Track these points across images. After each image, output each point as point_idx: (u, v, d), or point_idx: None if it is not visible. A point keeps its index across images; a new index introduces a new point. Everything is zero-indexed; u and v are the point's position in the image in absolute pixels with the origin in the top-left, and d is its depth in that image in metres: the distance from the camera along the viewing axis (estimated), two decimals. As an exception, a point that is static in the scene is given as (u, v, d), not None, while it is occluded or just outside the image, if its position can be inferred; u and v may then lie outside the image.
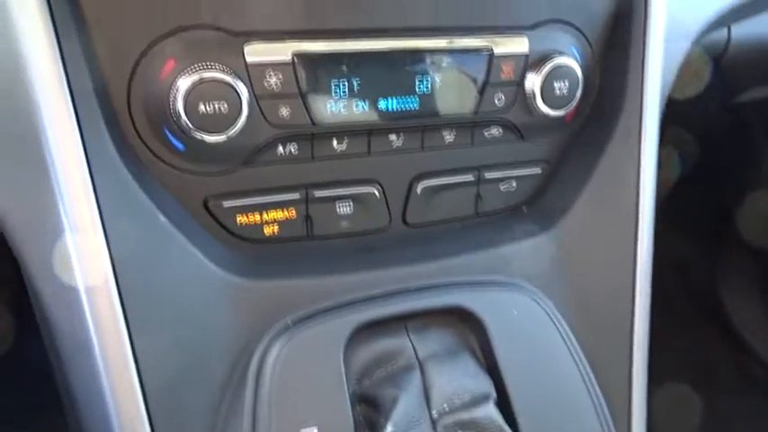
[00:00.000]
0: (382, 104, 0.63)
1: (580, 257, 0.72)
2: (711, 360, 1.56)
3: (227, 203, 0.62)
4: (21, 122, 0.52)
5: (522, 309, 0.66)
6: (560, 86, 0.68)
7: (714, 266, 1.58)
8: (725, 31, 0.93)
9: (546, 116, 0.69)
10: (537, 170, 0.74)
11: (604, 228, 0.73)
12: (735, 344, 1.54)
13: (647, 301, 0.74)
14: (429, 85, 0.64)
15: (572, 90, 0.68)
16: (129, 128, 0.57)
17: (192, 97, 0.54)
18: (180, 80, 0.55)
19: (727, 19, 0.87)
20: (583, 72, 0.69)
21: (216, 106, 0.55)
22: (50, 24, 0.51)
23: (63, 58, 0.52)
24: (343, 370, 0.58)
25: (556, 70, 0.67)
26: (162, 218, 0.56)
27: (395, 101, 0.63)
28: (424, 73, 0.63)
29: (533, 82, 0.67)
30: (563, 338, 0.67)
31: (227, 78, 0.55)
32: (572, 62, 0.68)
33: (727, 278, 1.57)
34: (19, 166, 0.53)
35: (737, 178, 1.45)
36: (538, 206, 0.74)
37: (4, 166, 0.53)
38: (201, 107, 0.55)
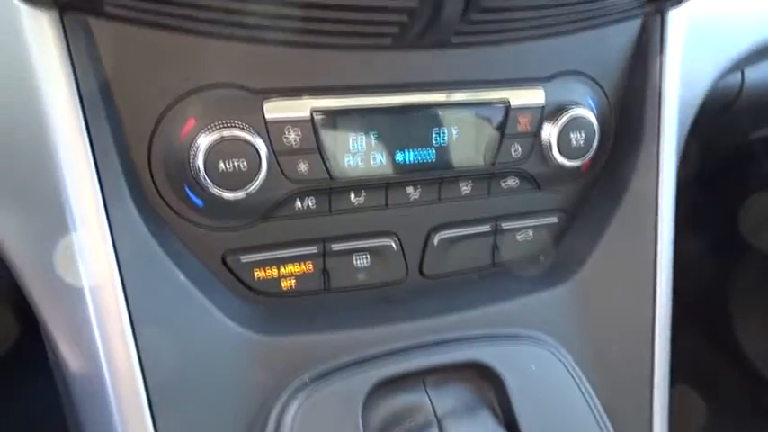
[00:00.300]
0: (399, 157, 0.63)
1: (598, 308, 0.72)
2: (724, 390, 1.54)
3: (245, 258, 0.62)
4: (43, 180, 0.52)
5: (540, 363, 0.66)
6: (576, 137, 0.68)
7: (726, 296, 1.57)
8: (738, 74, 0.93)
9: (562, 167, 0.69)
10: (554, 219, 0.74)
11: (622, 278, 0.73)
12: (747, 373, 1.52)
13: (667, 353, 0.73)
14: (446, 138, 0.64)
15: (588, 141, 0.68)
16: (149, 185, 0.57)
17: (212, 155, 0.55)
18: (200, 138, 0.55)
19: (741, 63, 0.88)
20: (599, 123, 0.69)
21: (235, 164, 0.55)
22: (74, 83, 0.51)
23: (85, 117, 0.52)
24: (361, 428, 0.58)
25: (572, 122, 0.67)
26: (182, 277, 0.56)
27: (412, 153, 0.63)
28: (441, 125, 0.64)
29: (550, 133, 0.67)
30: (582, 393, 0.66)
31: (247, 136, 0.55)
32: (588, 113, 0.68)
33: (740, 307, 1.55)
34: (40, 222, 0.53)
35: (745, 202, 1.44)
36: (555, 256, 0.74)
37: (25, 223, 0.54)
38: (221, 165, 0.55)
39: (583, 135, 0.68)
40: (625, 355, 0.72)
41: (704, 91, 0.79)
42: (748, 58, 0.87)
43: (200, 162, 0.55)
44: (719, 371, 1.57)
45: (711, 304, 1.60)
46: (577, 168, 0.70)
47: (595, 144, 0.69)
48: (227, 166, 0.55)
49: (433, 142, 0.64)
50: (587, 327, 0.71)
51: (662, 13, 0.71)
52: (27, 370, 1.08)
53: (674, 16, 0.72)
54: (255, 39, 0.55)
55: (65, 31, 0.50)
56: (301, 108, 0.58)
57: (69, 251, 0.53)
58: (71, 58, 0.51)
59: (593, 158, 0.71)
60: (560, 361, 0.67)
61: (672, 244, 0.75)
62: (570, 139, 0.68)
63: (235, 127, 0.55)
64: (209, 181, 0.55)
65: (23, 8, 0.49)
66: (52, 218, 0.53)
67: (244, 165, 0.56)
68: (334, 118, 0.59)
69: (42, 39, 0.50)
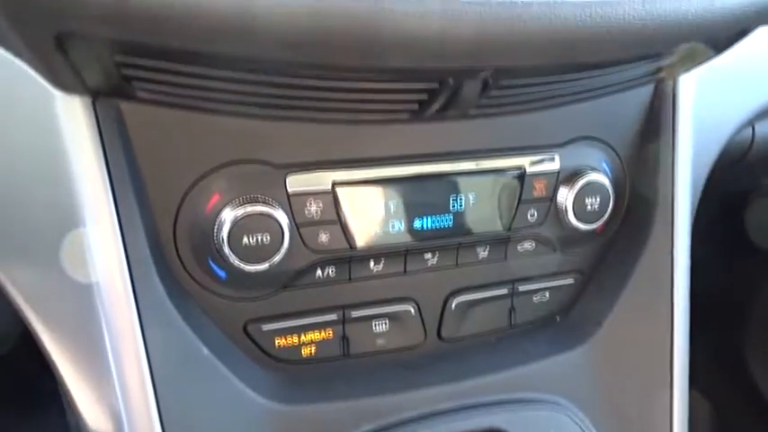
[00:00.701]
0: (417, 224, 0.64)
1: (615, 370, 0.72)
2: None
3: (266, 327, 0.62)
4: (71, 257, 0.53)
5: (558, 428, 0.66)
6: (592, 202, 0.69)
7: (742, 335, 1.55)
8: (749, 129, 0.94)
9: (577, 230, 0.69)
10: (570, 281, 0.74)
11: (639, 338, 0.73)
12: (762, 411, 1.50)
13: (686, 415, 0.73)
14: (462, 204, 0.65)
15: (603, 205, 0.69)
16: (173, 258, 0.58)
17: (236, 230, 0.56)
18: (224, 213, 0.56)
19: (753, 119, 0.89)
20: (613, 186, 0.70)
21: (259, 238, 0.57)
22: (103, 163, 0.53)
23: (114, 195, 0.53)
24: None
25: (587, 187, 0.68)
26: (205, 350, 0.57)
27: (429, 220, 0.64)
28: (458, 192, 0.65)
29: (565, 197, 0.68)
30: (601, 458, 0.66)
31: (270, 211, 0.57)
32: (603, 178, 0.69)
33: (756, 347, 1.54)
34: (68, 298, 0.54)
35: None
36: (572, 317, 0.75)
37: (53, 299, 0.55)
38: (245, 239, 0.56)
39: (598, 199, 0.69)
40: (643, 415, 0.72)
41: (717, 150, 0.80)
42: (759, 115, 0.88)
43: (224, 236, 0.56)
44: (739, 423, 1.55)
45: (728, 353, 1.59)
46: (593, 231, 0.71)
47: (610, 208, 0.70)
48: (251, 241, 0.56)
49: (451, 208, 0.65)
50: (604, 388, 0.71)
51: (673, 78, 0.72)
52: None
53: (685, 80, 0.73)
54: (278, 117, 0.57)
55: (96, 115, 0.52)
56: (323, 181, 0.60)
57: (97, 324, 0.54)
58: (102, 140, 0.52)
59: (608, 221, 0.71)
60: (578, 424, 0.67)
61: (688, 302, 0.75)
62: (585, 204, 0.69)
63: (258, 201, 0.57)
64: (232, 254, 0.56)
65: (58, 94, 0.51)
66: (81, 296, 0.54)
67: (267, 238, 0.57)
68: (355, 189, 0.61)
69: (75, 122, 0.51)
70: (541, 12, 0.47)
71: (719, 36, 0.60)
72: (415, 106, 0.57)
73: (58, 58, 0.46)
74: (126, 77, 0.49)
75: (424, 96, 0.55)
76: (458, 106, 0.57)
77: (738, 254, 1.47)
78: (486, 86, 0.55)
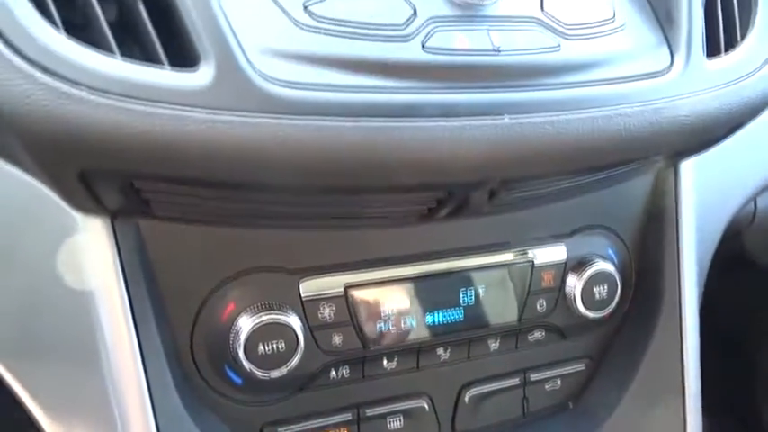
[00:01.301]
0: (429, 319, 0.65)
1: (630, 457, 0.72)
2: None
3: (281, 430, 0.63)
4: (88, 370, 0.54)
5: None
6: (599, 291, 0.70)
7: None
8: (751, 203, 0.95)
9: (586, 317, 0.70)
10: (581, 367, 0.75)
11: (652, 423, 0.73)
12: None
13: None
14: (473, 297, 0.66)
15: (611, 293, 0.70)
16: (190, 366, 0.59)
17: (251, 339, 0.57)
18: (240, 321, 0.57)
19: (755, 194, 0.90)
20: (620, 274, 0.71)
21: (274, 346, 0.57)
22: (122, 277, 0.54)
23: (132, 308, 0.54)
24: None
25: (594, 276, 0.69)
26: None
27: (441, 314, 0.65)
28: (468, 286, 0.66)
29: (573, 286, 0.69)
30: None
31: (285, 318, 0.57)
32: (609, 266, 0.70)
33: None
34: (86, 414, 0.55)
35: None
36: (584, 403, 0.75)
37: (71, 413, 0.55)
38: (261, 348, 0.57)
39: (605, 288, 0.70)
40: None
41: (722, 229, 0.81)
42: (761, 189, 0.89)
43: (240, 345, 0.57)
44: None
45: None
46: (601, 317, 0.72)
47: (618, 295, 0.71)
48: (267, 349, 0.57)
49: (461, 302, 0.66)
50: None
51: (674, 165, 0.74)
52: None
53: (686, 165, 0.75)
54: (290, 226, 0.58)
55: (115, 234, 0.53)
56: (335, 284, 0.61)
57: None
58: (120, 257, 0.53)
59: (616, 307, 0.72)
60: None
61: (699, 383, 0.75)
62: (594, 293, 0.69)
63: (272, 309, 0.58)
64: (249, 363, 0.57)
65: (77, 215, 0.52)
66: (98, 405, 0.54)
67: (282, 346, 0.57)
68: (367, 290, 0.62)
69: (95, 242, 0.52)
70: (545, 131, 0.49)
71: (712, 138, 0.62)
72: (425, 211, 0.58)
73: (80, 188, 0.48)
74: (145, 200, 0.51)
75: (432, 204, 0.57)
76: (466, 212, 0.59)
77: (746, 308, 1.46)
78: (493, 194, 0.56)
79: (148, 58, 0.44)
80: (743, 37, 0.63)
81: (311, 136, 0.44)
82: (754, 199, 0.96)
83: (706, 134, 0.59)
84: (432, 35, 0.48)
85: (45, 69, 0.41)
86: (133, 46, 0.45)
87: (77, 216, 0.52)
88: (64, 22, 0.43)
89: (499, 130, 0.48)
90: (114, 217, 0.53)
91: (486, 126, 0.47)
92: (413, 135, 0.46)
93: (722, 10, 0.64)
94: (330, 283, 0.61)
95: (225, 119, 0.43)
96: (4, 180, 0.51)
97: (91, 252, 0.53)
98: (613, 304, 0.71)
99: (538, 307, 0.69)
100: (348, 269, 0.61)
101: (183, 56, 0.44)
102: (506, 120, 0.48)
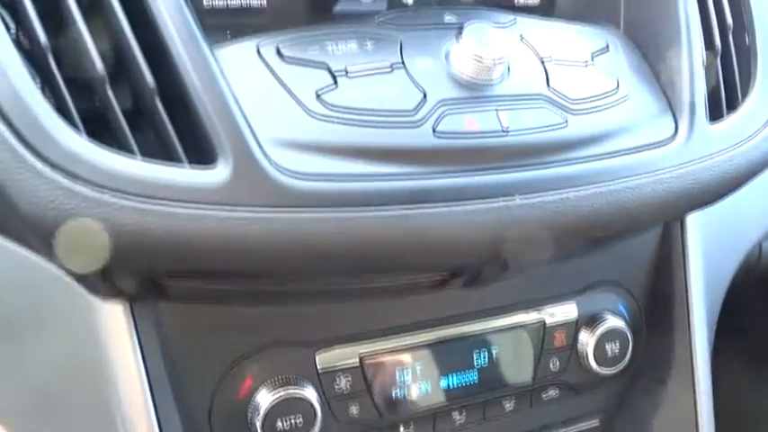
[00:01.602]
0: (444, 383, 0.65)
1: None
2: None
3: (299, 501, 0.63)
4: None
5: None
6: (612, 347, 0.70)
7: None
8: (756, 247, 0.96)
9: (599, 374, 0.70)
10: (595, 423, 0.75)
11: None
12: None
13: None
14: (486, 359, 0.67)
15: (623, 349, 0.71)
16: (209, 443, 0.59)
17: (270, 416, 0.57)
18: (257, 398, 0.57)
19: (761, 240, 0.91)
20: (631, 329, 0.71)
21: (292, 421, 0.57)
22: (141, 359, 0.54)
23: (151, 389, 0.55)
24: None
25: (606, 333, 0.69)
26: None
27: (455, 377, 0.66)
28: (481, 348, 0.66)
29: (585, 344, 0.70)
30: None
31: (302, 393, 0.58)
32: (620, 323, 0.70)
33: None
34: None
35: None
36: (600, 459, 0.75)
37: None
38: (279, 423, 0.57)
39: (617, 344, 0.70)
40: None
41: (729, 278, 0.82)
42: (766, 237, 0.90)
43: (259, 421, 0.57)
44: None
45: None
46: (614, 374, 0.72)
47: (630, 352, 0.71)
48: (285, 424, 0.57)
49: (475, 364, 0.66)
50: None
51: (681, 219, 0.75)
52: None
53: (692, 217, 0.75)
54: (304, 302, 0.59)
55: (134, 318, 0.54)
56: (351, 355, 0.61)
57: None
58: (139, 340, 0.54)
59: (629, 363, 0.73)
60: None
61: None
62: (606, 350, 0.70)
63: (289, 383, 0.58)
64: (268, 440, 0.57)
65: (96, 301, 0.53)
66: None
67: (300, 421, 0.58)
68: (382, 359, 0.62)
69: (113, 327, 0.53)
70: (556, 209, 0.50)
71: (717, 198, 0.62)
72: (437, 283, 0.59)
73: (100, 281, 0.48)
74: (163, 287, 0.52)
75: (445, 276, 0.58)
76: (479, 282, 0.59)
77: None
78: (506, 265, 0.57)
79: (166, 152, 0.45)
80: (744, 96, 0.64)
81: (325, 228, 0.45)
82: (759, 244, 0.97)
83: (712, 196, 0.60)
84: (442, 119, 0.49)
85: (67, 173, 0.42)
86: (146, 130, 0.46)
87: (96, 301, 0.53)
88: (82, 118, 0.44)
89: (511, 211, 0.49)
90: (133, 301, 0.54)
91: (499, 208, 0.48)
92: (426, 221, 0.47)
93: (723, 69, 0.65)
94: (345, 355, 0.61)
95: (242, 215, 0.43)
96: (25, 264, 0.52)
97: (110, 337, 0.53)
98: (626, 360, 0.71)
99: (551, 366, 0.69)
100: (363, 338, 0.62)
101: (199, 148, 0.45)
102: (517, 200, 0.49)
